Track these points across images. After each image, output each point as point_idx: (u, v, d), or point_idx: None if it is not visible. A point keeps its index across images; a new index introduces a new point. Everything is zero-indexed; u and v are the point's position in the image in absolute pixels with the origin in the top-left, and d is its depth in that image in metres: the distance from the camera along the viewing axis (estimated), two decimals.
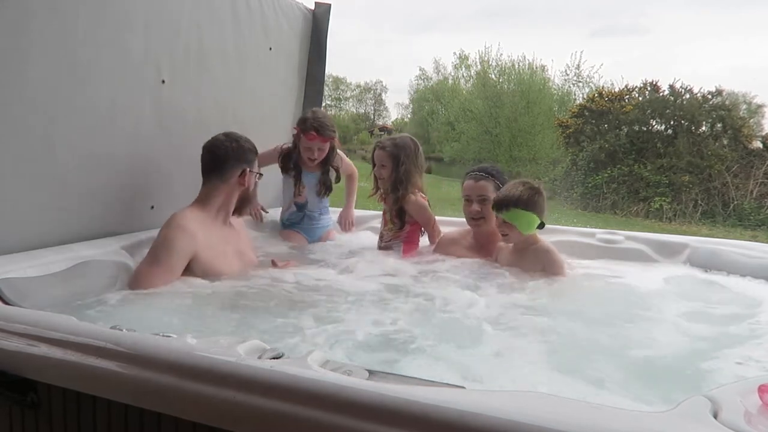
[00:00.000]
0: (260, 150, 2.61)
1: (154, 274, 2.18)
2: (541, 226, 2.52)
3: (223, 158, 2.42)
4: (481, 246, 2.80)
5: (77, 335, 1.39)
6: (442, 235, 3.03)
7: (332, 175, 3.23)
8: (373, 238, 3.21)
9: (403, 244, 2.98)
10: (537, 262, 2.51)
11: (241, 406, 1.16)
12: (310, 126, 2.95)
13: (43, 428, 1.45)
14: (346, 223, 3.39)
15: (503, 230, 2.55)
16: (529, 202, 2.47)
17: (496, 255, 2.72)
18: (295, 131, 3.04)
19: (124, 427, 1.34)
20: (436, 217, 3.37)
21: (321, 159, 3.05)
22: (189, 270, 2.26)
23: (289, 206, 3.20)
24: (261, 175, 2.61)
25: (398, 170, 2.88)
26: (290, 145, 3.11)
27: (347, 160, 3.35)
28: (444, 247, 2.93)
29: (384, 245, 3.02)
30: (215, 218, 2.43)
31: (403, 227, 2.97)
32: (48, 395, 1.42)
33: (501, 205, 2.52)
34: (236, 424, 1.19)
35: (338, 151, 3.19)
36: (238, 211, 2.56)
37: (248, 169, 2.46)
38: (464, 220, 2.86)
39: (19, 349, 1.41)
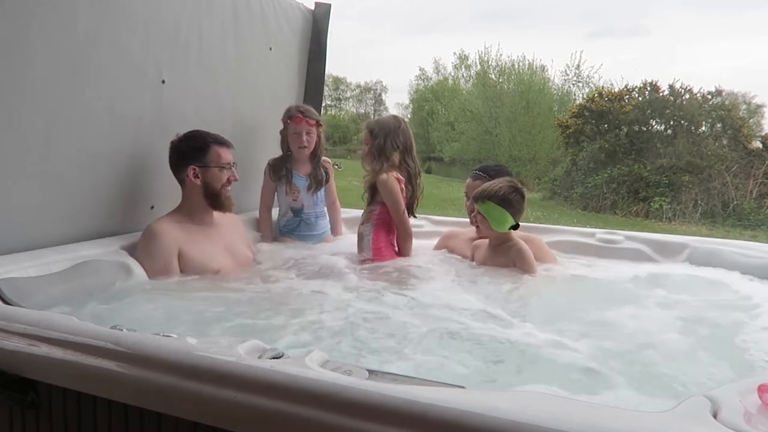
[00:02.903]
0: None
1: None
2: (515, 227, 2.52)
3: (171, 163, 2.48)
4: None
5: (77, 335, 1.39)
6: (449, 231, 3.05)
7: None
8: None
9: (372, 248, 2.78)
10: (509, 261, 2.53)
11: (241, 405, 1.16)
12: (296, 111, 3.05)
13: (43, 428, 1.45)
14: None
15: (477, 222, 2.59)
16: (503, 198, 2.49)
17: (472, 252, 2.74)
18: (282, 126, 3.09)
19: (124, 426, 1.34)
20: (436, 217, 3.38)
21: (312, 147, 3.09)
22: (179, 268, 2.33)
23: (285, 213, 3.20)
24: (230, 166, 2.50)
25: (373, 145, 2.78)
26: (275, 157, 3.17)
27: (333, 184, 3.35)
28: (444, 240, 3.00)
29: (361, 228, 2.86)
30: (192, 219, 2.47)
31: (372, 202, 2.84)
32: (48, 395, 1.42)
33: (477, 196, 2.57)
34: (236, 424, 1.19)
35: (328, 170, 3.23)
36: (211, 206, 2.49)
37: (194, 167, 2.42)
38: (463, 219, 2.90)
39: (19, 348, 1.41)
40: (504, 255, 2.55)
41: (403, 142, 2.80)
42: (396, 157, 2.77)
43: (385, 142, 2.76)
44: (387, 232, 2.83)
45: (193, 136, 2.46)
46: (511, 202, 2.49)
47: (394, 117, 2.95)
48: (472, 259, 2.72)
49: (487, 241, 2.65)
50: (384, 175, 2.74)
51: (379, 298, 2.21)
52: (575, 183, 12.91)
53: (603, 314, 2.10)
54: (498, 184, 2.55)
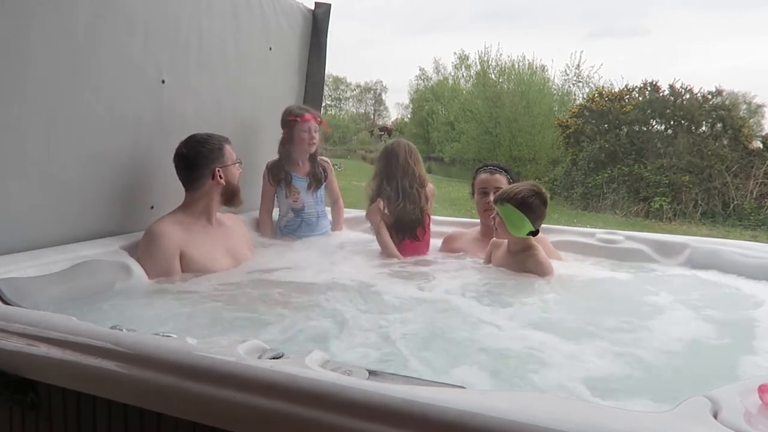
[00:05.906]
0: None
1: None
2: (534, 233, 2.48)
3: (188, 168, 2.47)
4: (487, 240, 2.80)
5: (77, 335, 1.39)
6: (452, 232, 3.05)
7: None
8: (365, 237, 3.19)
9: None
10: (526, 270, 2.49)
11: (241, 406, 1.16)
12: (301, 110, 3.10)
13: (43, 428, 1.45)
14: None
15: (495, 223, 2.56)
16: (524, 202, 2.43)
17: (488, 253, 2.71)
18: (284, 129, 3.09)
19: (124, 427, 1.34)
20: (437, 217, 3.37)
21: (316, 145, 3.13)
22: (181, 268, 2.34)
23: (286, 213, 3.20)
24: (240, 162, 2.61)
25: (377, 168, 2.95)
26: (273, 159, 3.17)
27: (335, 182, 3.36)
28: (449, 242, 2.99)
29: None
30: (197, 219, 2.49)
31: None
32: (48, 395, 1.42)
33: (497, 198, 2.53)
34: (236, 424, 1.19)
35: (326, 167, 3.24)
36: (227, 203, 2.59)
37: (218, 168, 2.47)
38: (465, 219, 2.89)
39: (19, 349, 1.41)
40: (521, 263, 2.51)
41: (400, 165, 2.90)
42: (394, 182, 2.90)
43: (386, 167, 2.91)
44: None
45: (208, 139, 2.48)
46: (531, 206, 2.43)
47: (390, 142, 3.05)
48: (489, 260, 2.70)
49: (505, 242, 2.61)
50: (368, 210, 2.93)
51: (384, 297, 2.20)
52: (575, 183, 12.92)
53: (602, 315, 2.09)
54: (519, 186, 2.50)
